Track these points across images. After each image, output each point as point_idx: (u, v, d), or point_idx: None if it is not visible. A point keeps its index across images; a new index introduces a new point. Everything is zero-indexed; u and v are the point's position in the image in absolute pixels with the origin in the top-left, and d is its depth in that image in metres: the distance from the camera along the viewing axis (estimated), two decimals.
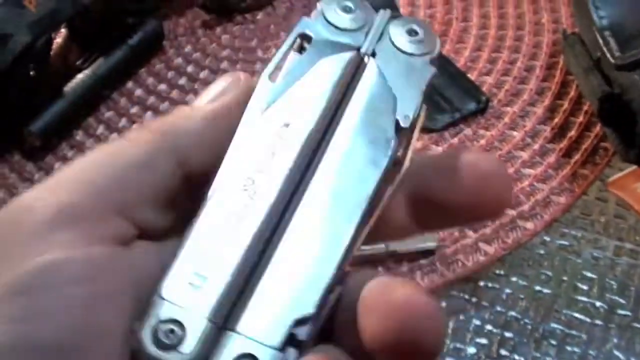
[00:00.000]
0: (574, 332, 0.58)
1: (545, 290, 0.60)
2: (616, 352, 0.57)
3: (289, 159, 0.28)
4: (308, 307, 0.26)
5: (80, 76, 0.77)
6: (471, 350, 0.57)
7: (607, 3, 0.68)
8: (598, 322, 0.58)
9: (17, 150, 0.74)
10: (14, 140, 0.74)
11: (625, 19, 0.66)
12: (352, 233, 0.28)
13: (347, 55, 0.30)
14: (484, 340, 0.58)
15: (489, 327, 0.58)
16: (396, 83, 0.30)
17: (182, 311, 0.26)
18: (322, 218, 0.28)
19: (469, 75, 0.76)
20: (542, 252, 0.63)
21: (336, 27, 0.31)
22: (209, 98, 0.30)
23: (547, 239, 0.63)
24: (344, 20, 0.31)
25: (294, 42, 0.31)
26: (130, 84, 0.81)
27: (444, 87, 0.74)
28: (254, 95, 0.30)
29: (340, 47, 0.31)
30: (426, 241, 0.62)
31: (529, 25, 0.83)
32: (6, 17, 0.71)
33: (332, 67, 0.30)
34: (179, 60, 0.84)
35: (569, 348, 0.57)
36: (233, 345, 0.26)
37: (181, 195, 0.28)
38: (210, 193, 0.28)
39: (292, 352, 0.26)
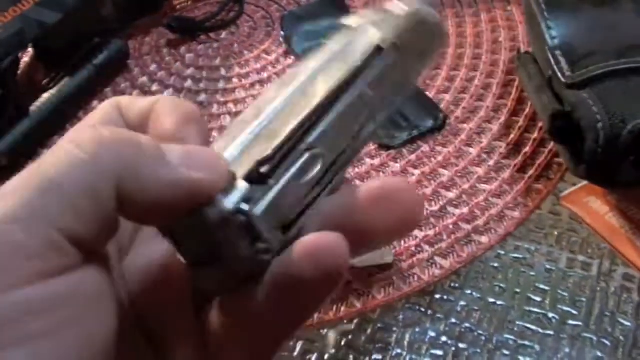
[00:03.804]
0: (526, 343, 0.59)
1: (499, 302, 0.62)
2: None
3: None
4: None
5: (46, 95, 0.78)
6: None
7: (559, 24, 0.70)
8: (550, 332, 0.60)
9: None
10: None
11: (576, 39, 0.68)
12: (324, 92, 0.31)
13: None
14: (439, 352, 0.59)
15: (444, 338, 0.60)
16: None
17: None
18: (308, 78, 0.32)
19: (427, 93, 0.78)
20: (496, 265, 0.64)
21: None
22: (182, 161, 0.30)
23: (502, 252, 0.65)
24: None
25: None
26: (95, 103, 0.82)
27: (402, 104, 0.76)
28: None
29: None
30: (383, 256, 0.63)
31: (487, 43, 0.85)
32: None
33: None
34: (143, 79, 0.85)
35: (521, 358, 0.58)
36: None
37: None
38: None
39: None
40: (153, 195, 0.28)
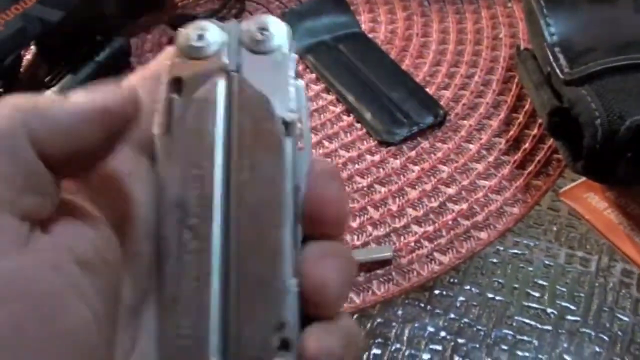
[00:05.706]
0: (525, 338, 0.60)
1: (498, 298, 0.62)
2: (566, 357, 0.59)
3: (212, 195, 0.30)
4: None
5: (48, 92, 0.79)
6: (426, 356, 0.59)
7: (557, 20, 0.70)
8: (548, 327, 0.60)
9: None
10: None
11: (575, 36, 0.69)
12: (284, 236, 0.30)
13: (217, 80, 0.32)
14: (438, 347, 0.59)
15: (442, 333, 0.60)
16: (268, 85, 0.32)
17: None
18: (256, 235, 0.30)
19: (427, 89, 0.79)
20: (495, 260, 0.65)
21: (198, 58, 0.32)
22: (84, 95, 0.29)
23: (501, 248, 0.66)
24: (201, 49, 0.32)
25: (169, 89, 0.32)
26: None
27: (402, 101, 0.76)
28: (159, 152, 0.31)
29: (209, 76, 0.32)
30: (383, 252, 0.64)
31: (487, 40, 0.85)
32: None
33: (210, 97, 0.31)
34: None
35: (520, 353, 0.59)
36: None
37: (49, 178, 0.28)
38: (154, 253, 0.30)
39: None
40: (66, 128, 0.28)
